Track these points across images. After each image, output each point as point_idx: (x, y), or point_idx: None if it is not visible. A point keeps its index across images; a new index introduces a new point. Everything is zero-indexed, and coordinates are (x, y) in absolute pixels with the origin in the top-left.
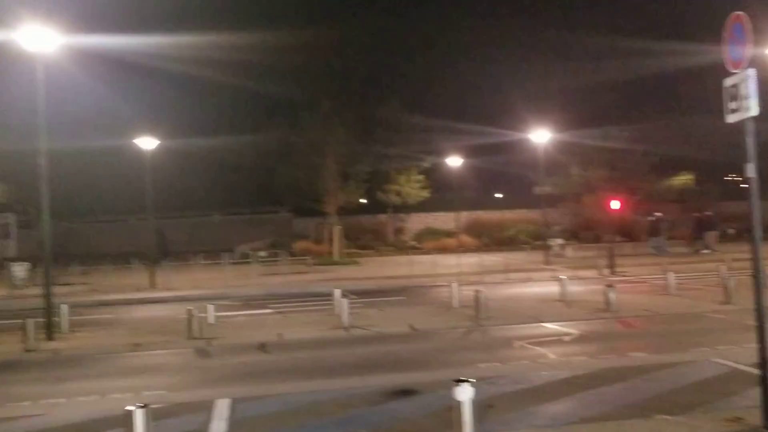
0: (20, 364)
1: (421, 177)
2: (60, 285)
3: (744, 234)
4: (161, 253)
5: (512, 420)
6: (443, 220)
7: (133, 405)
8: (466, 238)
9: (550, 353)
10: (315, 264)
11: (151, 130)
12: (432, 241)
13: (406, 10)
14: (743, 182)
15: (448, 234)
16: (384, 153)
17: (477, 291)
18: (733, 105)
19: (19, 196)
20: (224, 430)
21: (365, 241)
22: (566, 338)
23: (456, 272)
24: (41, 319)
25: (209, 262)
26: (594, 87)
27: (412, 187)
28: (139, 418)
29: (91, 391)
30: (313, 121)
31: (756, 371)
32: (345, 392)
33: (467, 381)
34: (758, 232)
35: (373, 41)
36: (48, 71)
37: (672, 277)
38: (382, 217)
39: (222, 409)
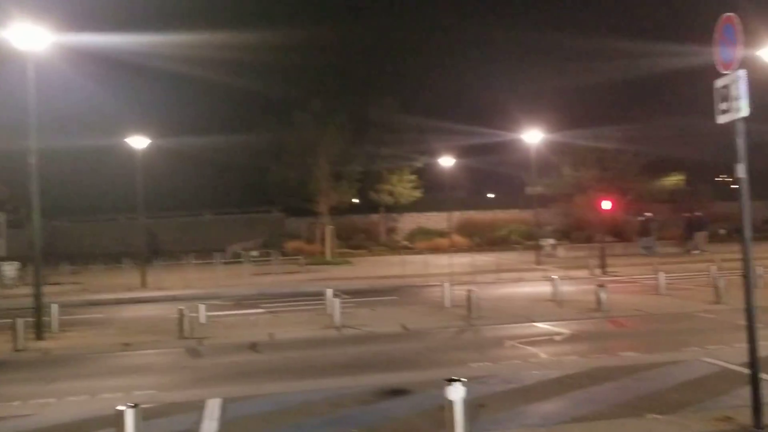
0: (10, 364)
1: (413, 177)
2: (50, 284)
3: (734, 234)
4: (152, 252)
5: (504, 419)
6: (435, 220)
7: (124, 405)
8: (458, 238)
9: (542, 353)
10: (307, 264)
11: (143, 129)
12: (424, 241)
13: (398, 11)
14: (734, 183)
15: (441, 234)
16: (376, 153)
17: (469, 291)
18: (723, 106)
19: (9, 195)
20: (215, 430)
21: (357, 240)
22: (558, 338)
23: (448, 272)
24: (31, 319)
25: (201, 261)
26: (586, 88)
27: (404, 187)
28: (129, 418)
29: (82, 391)
30: (305, 121)
31: (746, 371)
32: (336, 392)
33: (459, 380)
34: (748, 232)
35: (365, 42)
36: (39, 70)
37: (663, 277)
38: (375, 217)
39: (213, 409)
